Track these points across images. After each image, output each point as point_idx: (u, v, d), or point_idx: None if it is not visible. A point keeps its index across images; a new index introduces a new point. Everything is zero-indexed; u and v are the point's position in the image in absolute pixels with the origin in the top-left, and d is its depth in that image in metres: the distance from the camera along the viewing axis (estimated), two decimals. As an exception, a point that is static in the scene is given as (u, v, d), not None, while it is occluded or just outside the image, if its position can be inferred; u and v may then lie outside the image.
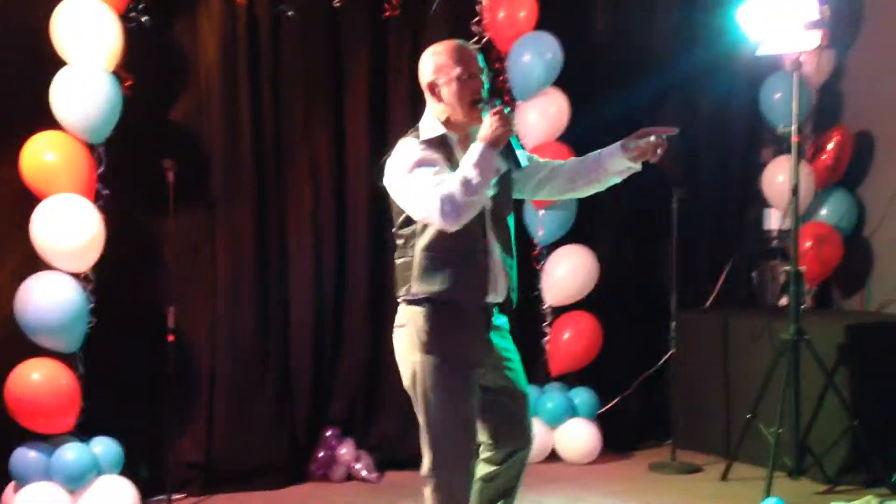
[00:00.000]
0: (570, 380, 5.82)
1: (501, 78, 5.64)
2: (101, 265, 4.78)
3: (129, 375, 4.96)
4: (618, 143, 3.43)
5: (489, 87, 3.40)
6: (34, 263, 4.65)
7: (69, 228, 4.58)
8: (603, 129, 5.88)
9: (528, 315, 5.76)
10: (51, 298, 4.56)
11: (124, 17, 4.81)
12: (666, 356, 5.79)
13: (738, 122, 6.48)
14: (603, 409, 5.86)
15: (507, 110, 3.23)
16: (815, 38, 4.94)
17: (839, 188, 6.21)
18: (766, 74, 6.16)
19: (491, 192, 3.29)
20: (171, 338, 4.85)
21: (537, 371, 5.82)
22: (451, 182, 3.17)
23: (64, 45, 4.65)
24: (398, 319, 3.40)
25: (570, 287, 5.72)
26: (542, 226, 5.66)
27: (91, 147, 4.76)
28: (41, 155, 4.63)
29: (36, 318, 4.56)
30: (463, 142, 3.38)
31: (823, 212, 6.16)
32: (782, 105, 5.89)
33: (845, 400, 5.00)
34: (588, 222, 5.84)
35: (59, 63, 4.66)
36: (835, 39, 5.94)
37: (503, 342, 3.46)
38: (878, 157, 6.19)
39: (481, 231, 3.34)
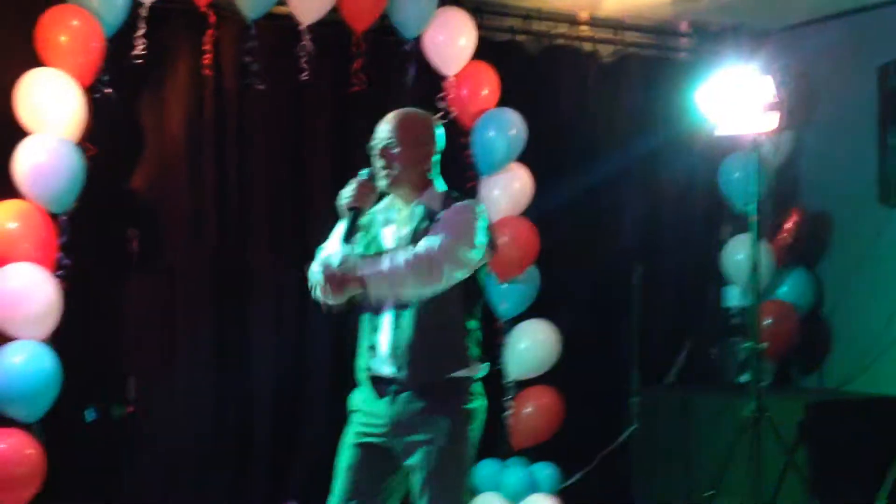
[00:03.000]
0: (532, 454, 5.79)
1: (465, 153, 5.70)
2: (61, 334, 4.72)
3: (86, 446, 4.89)
4: None
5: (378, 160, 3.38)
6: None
7: (24, 297, 4.54)
8: (566, 206, 6.06)
9: (491, 389, 5.74)
10: (22, 366, 4.50)
11: (90, 89, 4.82)
12: (628, 432, 5.79)
13: (698, 200, 6.58)
14: (565, 485, 5.83)
15: (363, 177, 3.34)
16: (773, 119, 5.03)
17: (798, 267, 6.29)
18: (725, 154, 6.27)
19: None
20: (130, 409, 4.80)
21: (499, 445, 5.79)
22: None
23: (28, 114, 4.66)
24: None
25: (531, 361, 5.71)
26: (504, 299, 5.67)
27: (53, 216, 4.74)
28: (2, 223, 4.60)
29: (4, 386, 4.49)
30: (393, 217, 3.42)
31: (782, 290, 6.24)
32: (741, 184, 6.00)
33: (805, 478, 5.01)
34: (551, 296, 5.86)
35: (22, 132, 4.66)
36: (792, 121, 6.07)
37: (410, 428, 3.31)
38: (835, 236, 6.29)
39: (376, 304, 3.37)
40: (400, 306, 3.30)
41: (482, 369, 3.44)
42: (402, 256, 3.21)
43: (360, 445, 3.37)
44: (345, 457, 3.39)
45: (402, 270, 3.18)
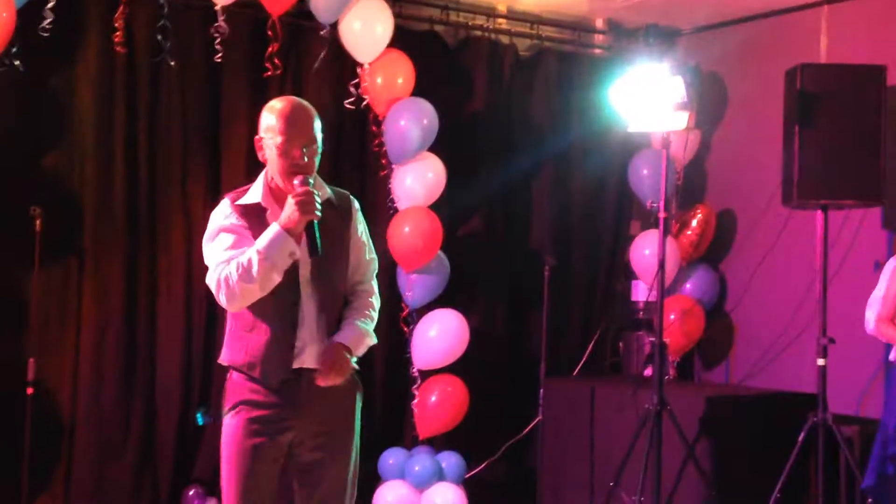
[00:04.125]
0: (438, 443, 5.82)
1: (377, 141, 5.69)
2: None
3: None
4: None
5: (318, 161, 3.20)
6: None
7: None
8: (479, 197, 6.10)
9: (397, 377, 5.77)
10: None
11: (-3, 62, 4.71)
12: (534, 422, 5.85)
13: (608, 195, 6.67)
14: (470, 474, 5.87)
15: (315, 192, 3.10)
16: (683, 119, 5.11)
17: (703, 263, 6.42)
18: (636, 150, 6.37)
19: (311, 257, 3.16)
20: (30, 391, 4.70)
21: (405, 434, 5.81)
22: (234, 263, 3.09)
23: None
24: None
25: (440, 351, 5.72)
26: (411, 287, 5.67)
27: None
28: None
29: None
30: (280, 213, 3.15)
31: (688, 286, 6.36)
32: (650, 181, 6.11)
33: (704, 471, 5.12)
34: (460, 287, 5.89)
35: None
36: (700, 120, 6.18)
37: (329, 416, 3.26)
38: (739, 234, 6.43)
39: (293, 298, 3.20)
40: (322, 300, 3.24)
41: None
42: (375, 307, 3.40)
43: (259, 447, 3.21)
44: (243, 462, 3.21)
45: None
